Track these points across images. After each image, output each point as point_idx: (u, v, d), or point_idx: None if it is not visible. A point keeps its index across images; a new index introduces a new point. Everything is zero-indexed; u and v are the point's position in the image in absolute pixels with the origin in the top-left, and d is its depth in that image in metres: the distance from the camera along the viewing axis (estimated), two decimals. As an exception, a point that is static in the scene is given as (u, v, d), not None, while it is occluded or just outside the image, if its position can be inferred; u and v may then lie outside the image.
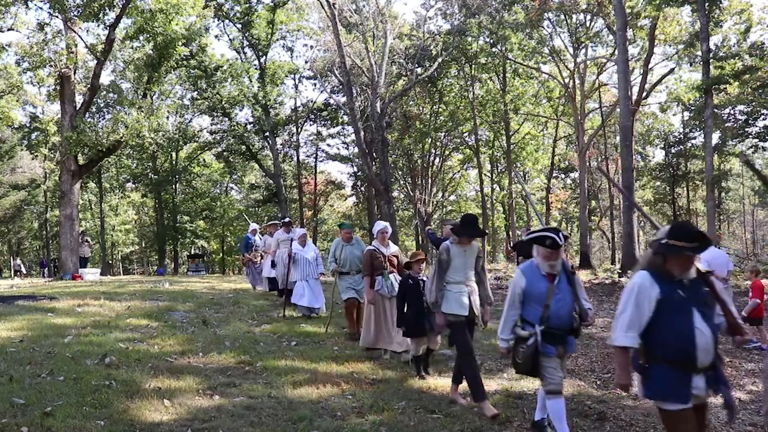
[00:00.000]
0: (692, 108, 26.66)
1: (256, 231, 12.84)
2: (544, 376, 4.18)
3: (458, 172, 39.01)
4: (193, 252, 39.78)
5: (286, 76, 32.13)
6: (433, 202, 35.40)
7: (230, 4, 29.00)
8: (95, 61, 18.63)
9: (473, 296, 5.29)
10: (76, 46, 18.39)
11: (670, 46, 24.16)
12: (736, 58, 19.36)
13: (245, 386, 5.55)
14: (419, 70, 28.72)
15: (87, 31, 19.66)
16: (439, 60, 27.57)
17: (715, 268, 8.35)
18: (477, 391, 5.10)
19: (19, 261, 31.76)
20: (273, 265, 10.80)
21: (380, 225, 7.11)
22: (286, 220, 10.84)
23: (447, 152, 35.77)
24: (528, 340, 4.13)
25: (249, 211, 41.00)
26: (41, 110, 35.27)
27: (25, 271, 29.76)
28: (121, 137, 18.28)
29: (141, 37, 18.60)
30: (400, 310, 6.12)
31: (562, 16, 26.14)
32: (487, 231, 14.31)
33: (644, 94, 23.83)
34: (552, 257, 4.13)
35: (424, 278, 5.97)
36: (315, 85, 36.90)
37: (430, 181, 34.37)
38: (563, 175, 41.95)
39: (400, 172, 34.92)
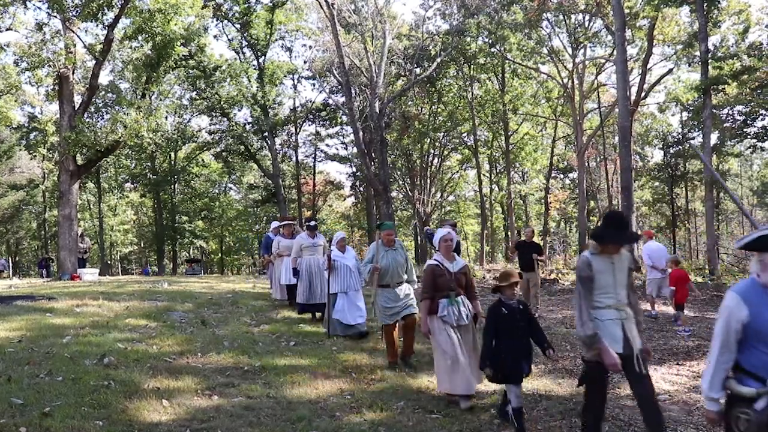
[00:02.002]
0: (691, 108, 26.67)
1: (277, 230, 11.46)
2: None
3: (457, 172, 39.02)
4: (191, 256, 39.89)
5: (285, 76, 32.14)
6: (431, 203, 35.39)
7: (229, 4, 29.00)
8: (94, 61, 18.60)
9: (628, 324, 3.93)
10: (74, 46, 18.37)
11: (668, 46, 24.17)
12: (735, 58, 19.37)
13: (244, 386, 5.55)
14: (418, 70, 28.72)
15: (86, 31, 19.68)
16: (438, 60, 27.57)
17: (655, 261, 9.89)
18: None
19: (3, 260, 30.38)
20: (295, 273, 9.34)
21: (442, 232, 5.59)
22: (312, 223, 9.37)
23: (446, 152, 35.78)
24: (756, 401, 2.69)
25: (248, 211, 41.05)
26: (40, 110, 35.27)
27: (5, 272, 26.69)
28: (120, 137, 18.26)
29: (140, 37, 18.58)
30: (488, 347, 4.74)
31: (561, 17, 26.13)
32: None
33: (643, 94, 23.84)
34: None
35: (520, 305, 4.82)
36: (314, 85, 36.94)
37: (428, 181, 34.37)
38: (562, 176, 41.98)
39: (398, 173, 34.91)
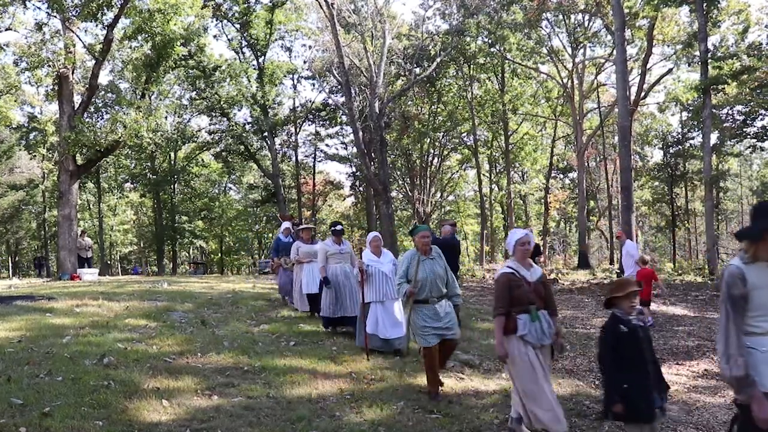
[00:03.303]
0: (690, 108, 26.69)
1: (289, 231, 10.62)
2: None
3: (457, 172, 39.04)
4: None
5: (285, 76, 32.13)
6: (431, 202, 35.40)
7: (229, 4, 29.00)
8: (93, 61, 18.60)
9: None
10: (74, 46, 18.37)
11: (668, 46, 24.20)
12: (735, 58, 19.39)
13: (244, 386, 5.55)
14: (418, 70, 28.73)
15: (85, 31, 19.67)
16: (438, 60, 27.58)
17: (634, 255, 10.80)
18: None
19: None
20: (327, 282, 8.04)
21: (518, 233, 4.59)
22: (338, 228, 8.28)
23: (445, 152, 35.80)
24: None
25: (248, 211, 41.06)
26: (39, 110, 35.25)
27: None
28: (120, 137, 18.26)
29: (139, 37, 18.58)
30: (613, 379, 3.78)
31: (561, 17, 26.17)
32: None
33: (643, 94, 23.88)
34: None
35: (643, 322, 3.97)
36: (313, 85, 36.92)
37: (428, 181, 34.38)
38: (562, 176, 42.01)
39: (398, 172, 34.93)
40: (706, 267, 18.34)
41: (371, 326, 6.94)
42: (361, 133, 24.42)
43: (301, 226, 10.00)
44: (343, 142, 38.26)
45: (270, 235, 43.50)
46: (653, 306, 10.88)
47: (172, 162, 36.31)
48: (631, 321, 3.84)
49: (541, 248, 31.40)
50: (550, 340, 4.45)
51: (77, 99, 19.02)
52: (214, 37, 34.82)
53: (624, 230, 18.34)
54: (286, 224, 10.86)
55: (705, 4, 17.55)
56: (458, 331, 5.71)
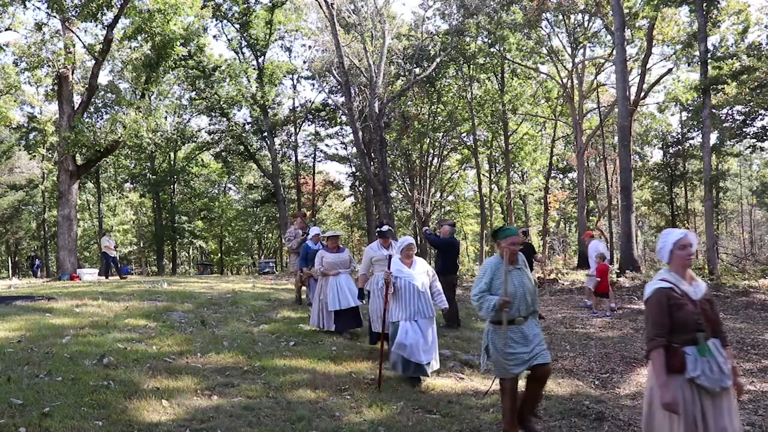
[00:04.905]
0: (690, 108, 26.69)
1: (318, 238, 9.48)
2: None
3: (456, 172, 39.03)
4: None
5: (285, 76, 32.13)
6: (431, 203, 35.40)
7: (228, 4, 28.99)
8: (93, 61, 18.60)
9: None
10: (74, 46, 18.37)
11: (668, 46, 24.19)
12: (734, 58, 19.38)
13: (243, 386, 5.55)
14: (417, 70, 28.72)
15: (85, 31, 19.65)
16: (438, 60, 27.57)
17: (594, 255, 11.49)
18: None
19: None
20: (361, 295, 7.54)
21: (675, 234, 3.44)
22: (384, 228, 7.27)
23: (445, 152, 35.78)
24: None
25: (247, 211, 41.05)
26: (39, 110, 35.20)
27: None
28: (119, 137, 18.27)
29: (139, 37, 18.57)
30: None
31: (561, 17, 26.15)
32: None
33: (642, 94, 23.86)
34: None
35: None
36: (313, 85, 36.92)
37: (428, 181, 34.37)
38: (561, 176, 42.02)
39: (398, 173, 34.92)
40: (706, 267, 18.32)
41: (400, 347, 5.86)
42: (360, 133, 24.41)
43: (327, 233, 8.62)
44: (342, 142, 38.30)
45: (270, 235, 43.51)
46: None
47: (172, 162, 36.31)
48: None
49: (539, 248, 31.39)
50: (729, 383, 3.25)
51: (77, 99, 19.03)
52: (214, 37, 34.84)
53: (624, 231, 18.32)
54: (315, 230, 9.63)
55: (705, 4, 17.55)
56: (548, 355, 4.58)
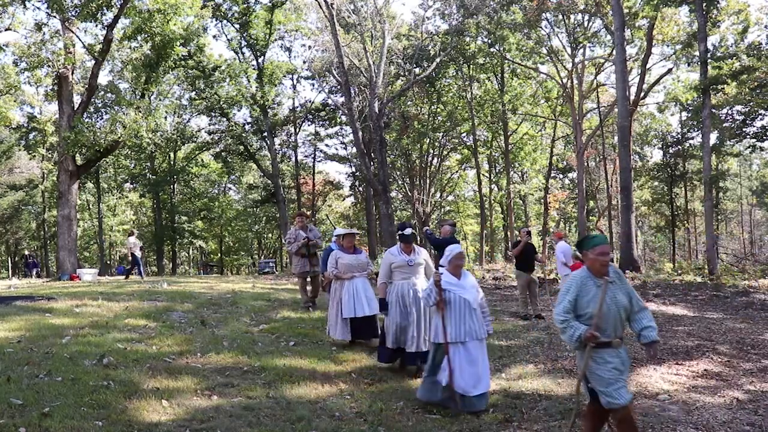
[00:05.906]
0: (690, 108, 26.67)
1: (341, 239, 8.20)
2: None
3: (456, 172, 39.05)
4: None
5: (284, 76, 32.12)
6: (431, 202, 35.40)
7: (228, 5, 28.97)
8: (93, 62, 18.62)
9: None
10: (73, 46, 18.38)
11: (667, 46, 24.19)
12: (734, 58, 19.39)
13: (243, 386, 5.55)
14: (417, 70, 28.73)
15: (85, 31, 19.68)
16: (437, 60, 27.58)
17: (567, 259, 10.94)
18: None
19: None
20: (383, 305, 6.35)
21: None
22: (407, 231, 6.30)
23: (445, 152, 35.80)
24: None
25: (247, 212, 41.04)
26: (39, 110, 35.19)
27: None
28: (119, 137, 18.27)
29: (139, 38, 18.59)
30: None
31: (560, 17, 26.15)
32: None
33: (642, 94, 23.85)
34: None
35: None
36: (313, 85, 36.93)
37: (428, 181, 34.38)
38: (561, 176, 42.02)
39: (398, 173, 34.93)
40: (706, 267, 18.32)
41: (446, 375, 5.08)
42: (360, 133, 24.42)
43: (341, 231, 7.81)
44: (342, 142, 38.31)
45: (270, 235, 43.51)
46: (653, 306, 10.90)
47: (172, 162, 36.32)
48: None
49: (539, 248, 31.36)
50: None
51: (77, 99, 19.04)
52: (214, 37, 34.87)
53: (623, 231, 18.29)
54: (339, 231, 8.12)
55: (705, 4, 17.55)
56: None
